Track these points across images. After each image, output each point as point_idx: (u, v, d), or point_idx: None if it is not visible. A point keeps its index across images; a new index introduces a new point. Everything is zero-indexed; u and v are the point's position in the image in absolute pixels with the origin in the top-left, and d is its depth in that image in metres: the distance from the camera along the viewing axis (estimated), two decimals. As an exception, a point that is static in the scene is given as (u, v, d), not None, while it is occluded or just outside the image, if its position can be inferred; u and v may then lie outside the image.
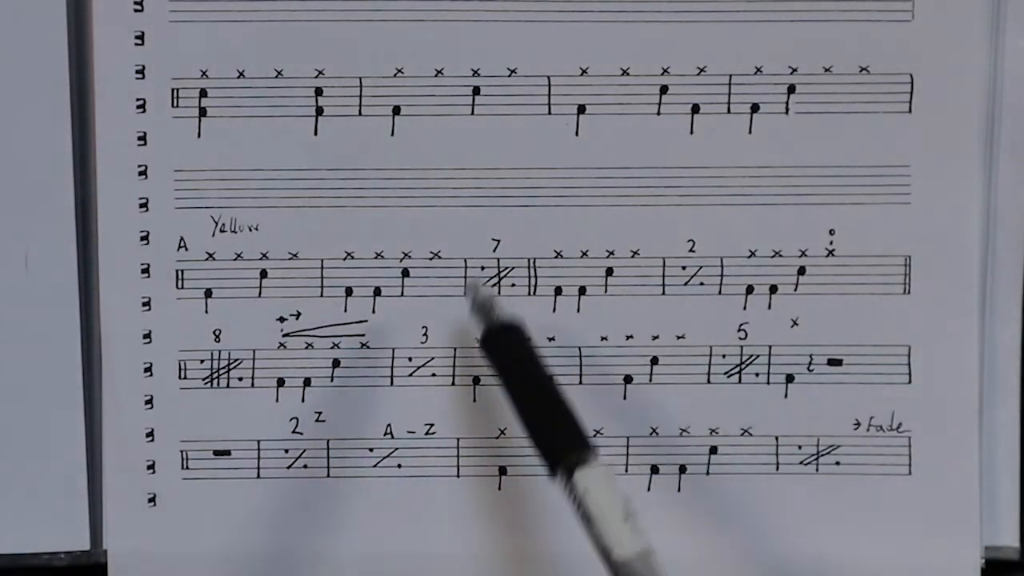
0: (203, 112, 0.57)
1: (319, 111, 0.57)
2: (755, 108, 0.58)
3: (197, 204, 0.58)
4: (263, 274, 0.58)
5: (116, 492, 0.58)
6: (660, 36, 0.57)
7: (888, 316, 0.58)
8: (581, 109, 0.57)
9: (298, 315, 0.58)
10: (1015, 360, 0.59)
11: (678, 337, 0.59)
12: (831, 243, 0.58)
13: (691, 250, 0.58)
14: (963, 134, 0.58)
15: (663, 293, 0.58)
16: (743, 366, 0.59)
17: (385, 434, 0.59)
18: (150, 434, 0.58)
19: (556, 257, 0.58)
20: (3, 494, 0.58)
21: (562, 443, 0.50)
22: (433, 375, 0.59)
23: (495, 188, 0.58)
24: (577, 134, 0.58)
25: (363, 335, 0.58)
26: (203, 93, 0.57)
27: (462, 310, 0.58)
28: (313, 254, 0.58)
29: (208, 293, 0.58)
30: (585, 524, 0.48)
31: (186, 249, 0.58)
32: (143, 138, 0.57)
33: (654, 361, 0.59)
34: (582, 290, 0.58)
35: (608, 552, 0.47)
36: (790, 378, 0.59)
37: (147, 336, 0.58)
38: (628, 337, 0.58)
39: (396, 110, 0.57)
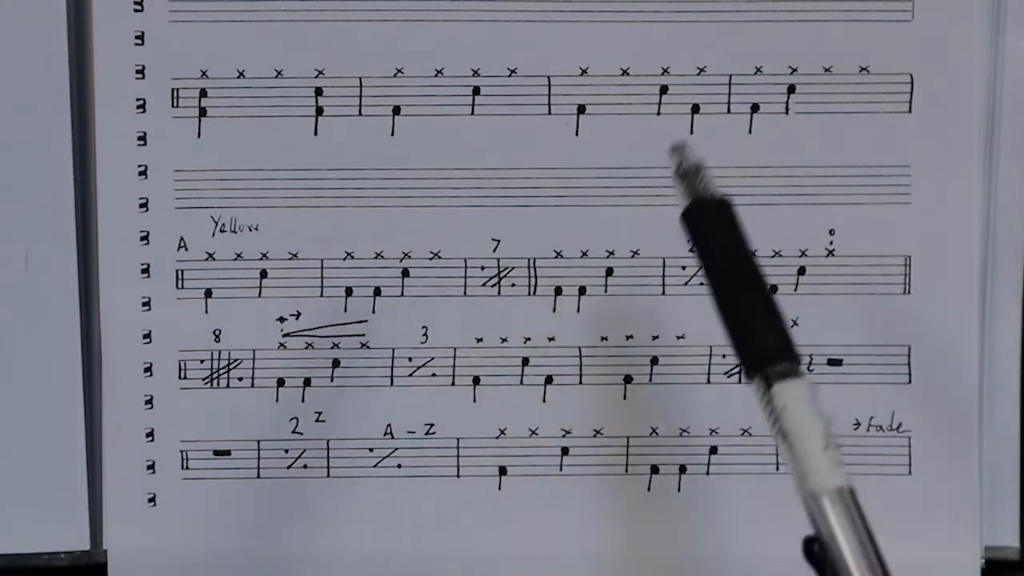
0: (203, 112, 0.57)
1: (319, 111, 0.57)
2: (755, 108, 0.58)
3: (197, 204, 0.58)
4: (263, 274, 0.58)
5: (116, 492, 0.58)
6: (660, 36, 0.57)
7: (888, 316, 0.58)
8: (581, 109, 0.57)
9: (298, 315, 0.58)
10: (1015, 360, 0.59)
11: (678, 337, 0.59)
12: (831, 243, 0.58)
13: (691, 250, 0.58)
14: (963, 134, 0.58)
15: (663, 293, 0.58)
16: (743, 366, 0.59)
17: (385, 434, 0.59)
18: (150, 434, 0.58)
19: (556, 257, 0.58)
20: (3, 494, 0.58)
21: (766, 349, 0.43)
22: (433, 375, 0.59)
23: (495, 188, 0.58)
24: (577, 134, 0.58)
25: (363, 335, 0.58)
26: (203, 93, 0.57)
27: (462, 310, 0.58)
28: (313, 254, 0.58)
29: (208, 293, 0.58)
30: (779, 442, 0.43)
31: (186, 249, 0.58)
32: (143, 138, 0.57)
33: (654, 361, 0.59)
34: (582, 290, 0.58)
35: (802, 479, 0.43)
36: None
37: (147, 336, 0.58)
38: (628, 337, 0.58)
39: (396, 110, 0.57)
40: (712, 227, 0.45)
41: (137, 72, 0.57)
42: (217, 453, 0.59)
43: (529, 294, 0.58)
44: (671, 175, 0.46)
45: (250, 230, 0.58)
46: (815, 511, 0.42)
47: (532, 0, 0.57)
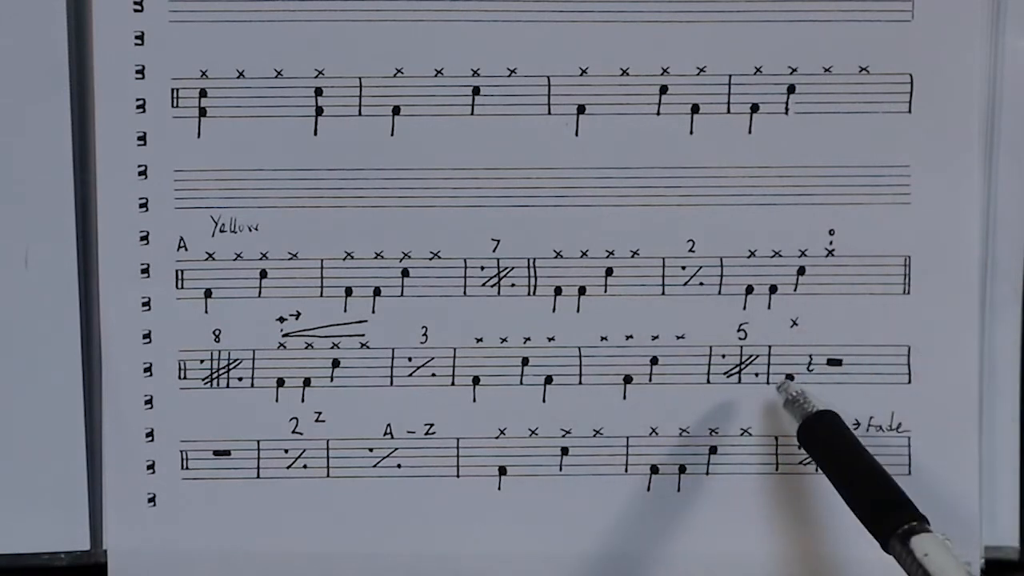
0: (203, 112, 0.57)
1: (319, 111, 0.57)
2: (755, 108, 0.58)
3: (197, 204, 0.58)
4: (263, 274, 0.58)
5: (116, 492, 0.58)
6: (660, 36, 0.57)
7: (888, 316, 0.58)
8: (581, 109, 0.57)
9: (298, 315, 0.58)
10: (1015, 360, 0.59)
11: (678, 337, 0.59)
12: (831, 243, 0.58)
13: (691, 250, 0.58)
14: (963, 134, 0.58)
15: (663, 293, 0.58)
16: (743, 366, 0.59)
17: (385, 434, 0.59)
18: (150, 434, 0.58)
19: (556, 257, 0.58)
20: (3, 494, 0.58)
21: (895, 512, 0.50)
22: (433, 375, 0.59)
23: (495, 188, 0.58)
24: (577, 134, 0.58)
25: (363, 335, 0.58)
26: (203, 93, 0.57)
27: (462, 310, 0.58)
28: (313, 254, 0.58)
29: (208, 293, 0.58)
30: None
31: (186, 249, 0.58)
32: (143, 138, 0.57)
33: (654, 361, 0.59)
34: (582, 290, 0.58)
35: None
36: (790, 378, 0.59)
37: (147, 336, 0.58)
38: (628, 337, 0.59)
39: (396, 110, 0.57)
40: (823, 435, 0.56)
41: (137, 72, 0.57)
42: (217, 453, 0.59)
43: (529, 294, 0.58)
44: (782, 405, 0.57)
45: (250, 230, 0.58)
46: None
47: (532, 0, 0.57)
